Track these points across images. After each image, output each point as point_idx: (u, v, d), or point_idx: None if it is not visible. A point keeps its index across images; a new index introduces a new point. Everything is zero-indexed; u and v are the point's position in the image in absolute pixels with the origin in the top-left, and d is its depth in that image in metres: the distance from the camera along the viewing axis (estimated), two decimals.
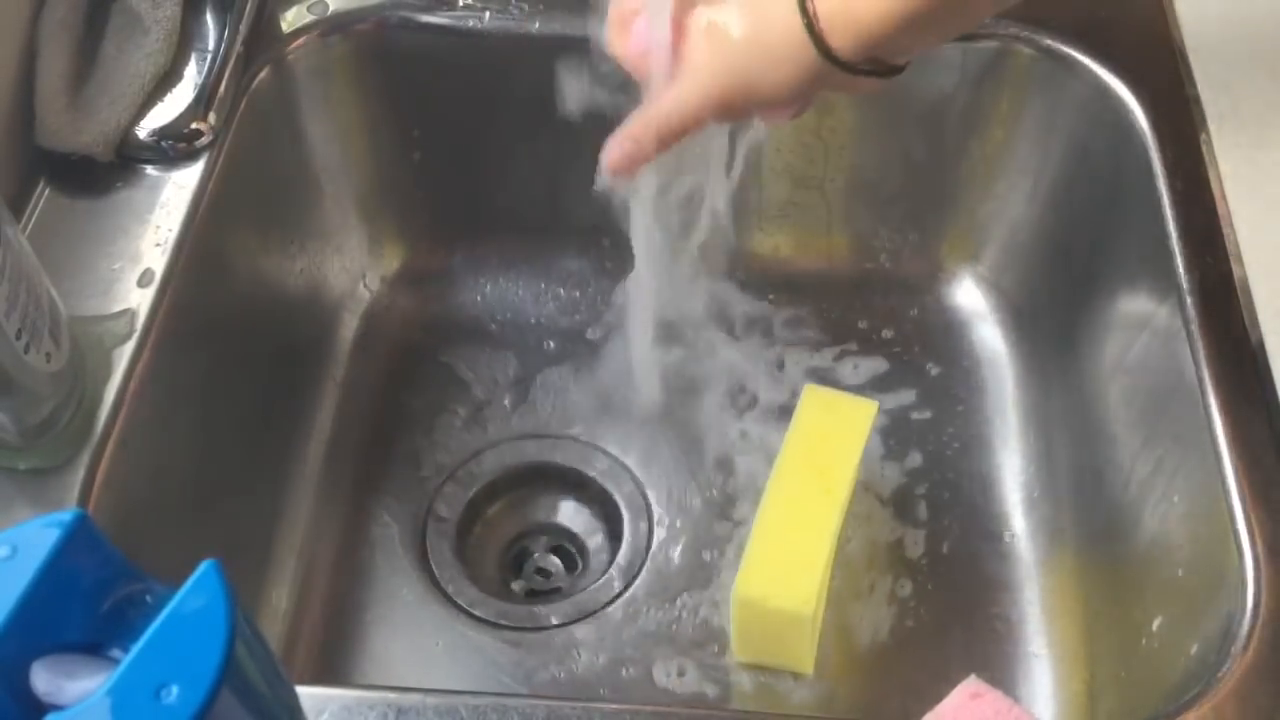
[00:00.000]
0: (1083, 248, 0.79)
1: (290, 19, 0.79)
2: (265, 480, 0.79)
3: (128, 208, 0.69)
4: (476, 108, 0.83)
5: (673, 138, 0.59)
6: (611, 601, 0.76)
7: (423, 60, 0.81)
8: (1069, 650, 0.73)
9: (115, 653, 0.38)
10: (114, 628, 0.38)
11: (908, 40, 0.54)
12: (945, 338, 0.87)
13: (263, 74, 0.77)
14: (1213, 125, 0.71)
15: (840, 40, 0.53)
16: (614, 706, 0.56)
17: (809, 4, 0.53)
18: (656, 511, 0.80)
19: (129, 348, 0.64)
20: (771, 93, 0.56)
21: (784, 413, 0.74)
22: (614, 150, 0.60)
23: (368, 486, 0.82)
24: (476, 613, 0.76)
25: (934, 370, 0.86)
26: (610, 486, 0.81)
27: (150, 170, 0.71)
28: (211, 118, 0.72)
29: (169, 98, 0.73)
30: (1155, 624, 0.64)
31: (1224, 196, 0.69)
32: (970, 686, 0.55)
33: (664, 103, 0.58)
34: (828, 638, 0.73)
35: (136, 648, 0.36)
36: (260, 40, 0.77)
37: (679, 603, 0.76)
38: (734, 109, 0.58)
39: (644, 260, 0.73)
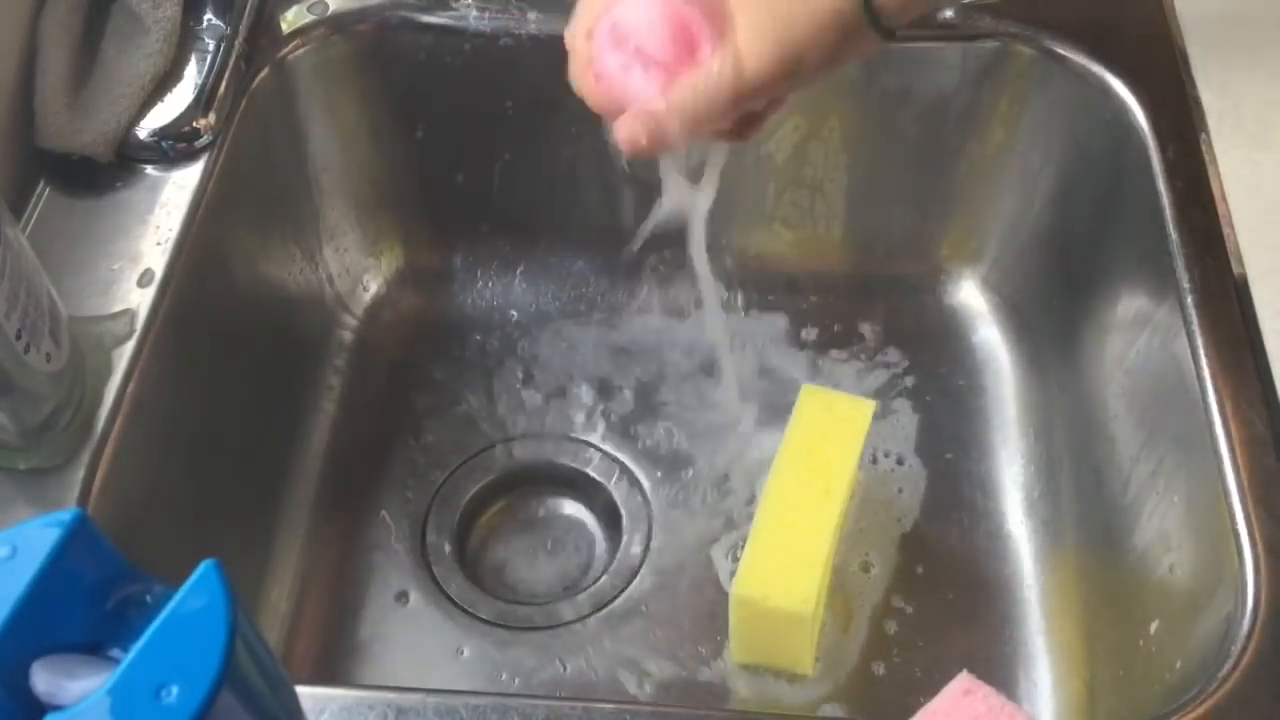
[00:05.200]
0: (1083, 248, 0.79)
1: (290, 19, 0.79)
2: (265, 480, 0.79)
3: (128, 208, 0.69)
4: (476, 108, 0.83)
5: (705, 122, 0.54)
6: (611, 601, 0.76)
7: (423, 60, 0.81)
8: (1069, 650, 0.73)
9: (115, 653, 0.38)
10: (114, 628, 0.38)
11: (935, 6, 0.55)
12: (945, 338, 0.87)
13: (263, 74, 0.77)
14: (1213, 125, 0.71)
15: (888, 4, 0.52)
16: (614, 706, 0.56)
17: None
18: (656, 511, 0.80)
19: (129, 348, 0.64)
20: (819, 61, 0.53)
21: (783, 413, 0.73)
22: (629, 129, 0.55)
23: (368, 486, 0.82)
24: (477, 613, 0.76)
25: (933, 370, 0.86)
26: (610, 486, 0.81)
27: (150, 170, 0.71)
28: (211, 118, 0.72)
29: (169, 98, 0.73)
30: (1154, 624, 0.64)
31: (1224, 196, 0.69)
32: (963, 683, 0.55)
33: (698, 80, 0.53)
34: (827, 637, 0.73)
35: (136, 648, 0.36)
36: (260, 40, 0.77)
37: (678, 602, 0.76)
38: (786, 79, 0.53)
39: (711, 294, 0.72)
